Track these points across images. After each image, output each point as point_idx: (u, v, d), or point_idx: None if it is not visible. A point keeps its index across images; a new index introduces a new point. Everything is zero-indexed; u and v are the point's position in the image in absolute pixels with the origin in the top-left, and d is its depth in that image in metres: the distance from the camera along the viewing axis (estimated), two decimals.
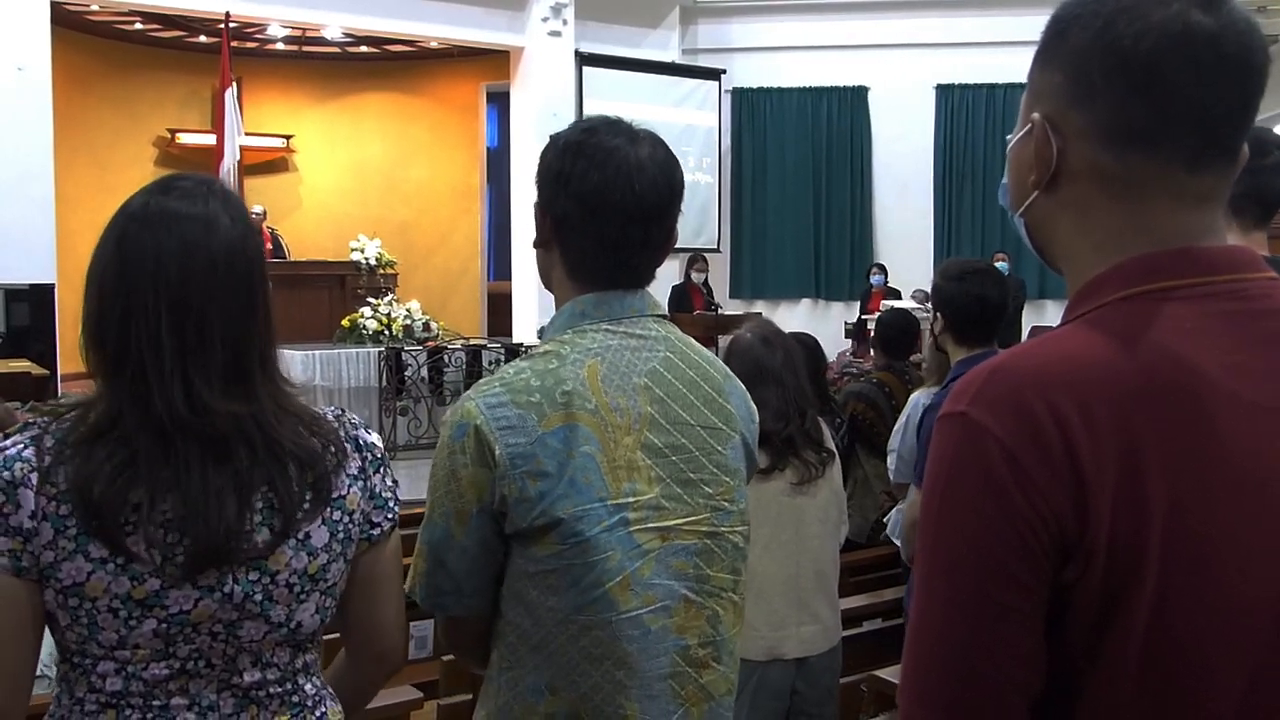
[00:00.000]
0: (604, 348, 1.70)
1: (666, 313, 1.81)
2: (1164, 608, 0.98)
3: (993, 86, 13.91)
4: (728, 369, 1.87)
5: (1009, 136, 1.17)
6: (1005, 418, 0.99)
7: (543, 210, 1.76)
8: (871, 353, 7.91)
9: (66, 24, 11.70)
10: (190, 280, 1.47)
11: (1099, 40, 1.04)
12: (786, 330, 3.51)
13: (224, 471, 1.46)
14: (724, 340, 11.14)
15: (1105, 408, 0.99)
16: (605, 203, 1.69)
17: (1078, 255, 1.11)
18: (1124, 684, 0.99)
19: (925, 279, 3.75)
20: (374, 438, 1.68)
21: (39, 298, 9.43)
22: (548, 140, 1.78)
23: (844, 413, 5.32)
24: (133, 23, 13.00)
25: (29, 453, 1.43)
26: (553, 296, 1.81)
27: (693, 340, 1.85)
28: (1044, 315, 13.25)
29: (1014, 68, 12.82)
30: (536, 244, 1.79)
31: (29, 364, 8.47)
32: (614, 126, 1.74)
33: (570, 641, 1.65)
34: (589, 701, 1.66)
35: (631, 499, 1.66)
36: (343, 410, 1.67)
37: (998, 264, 10.73)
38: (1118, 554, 0.97)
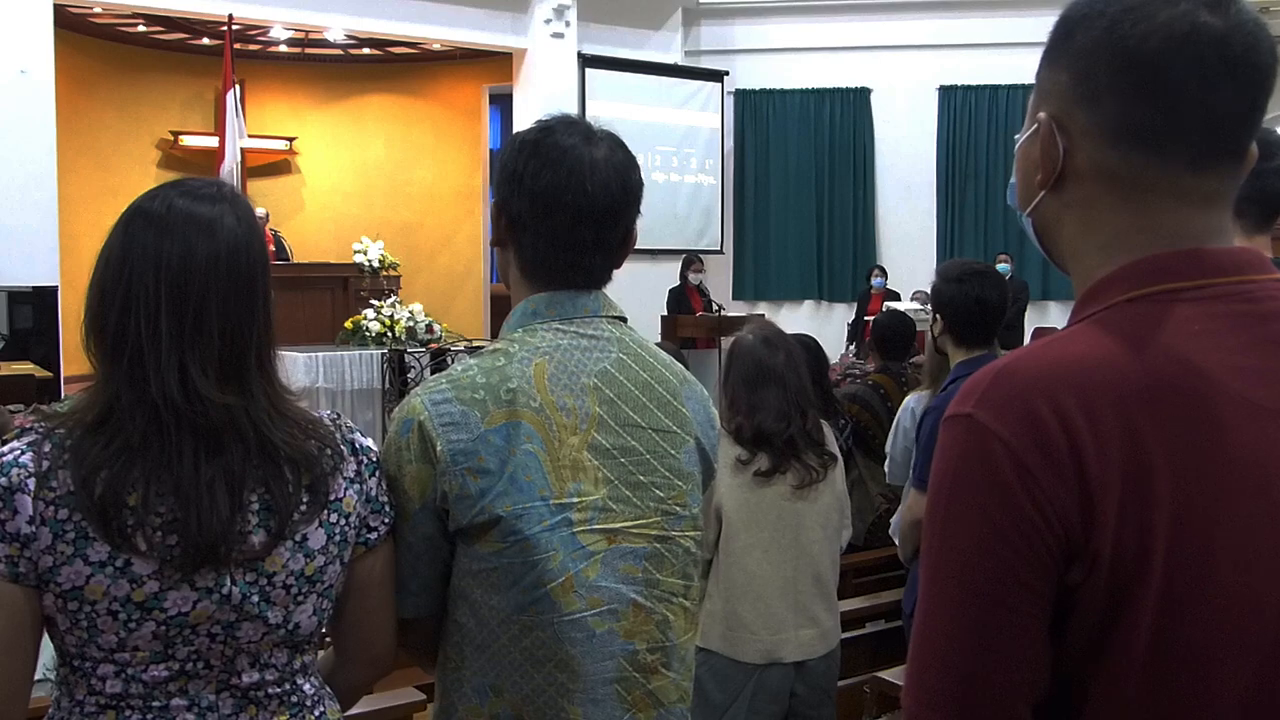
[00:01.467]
0: (553, 347, 1.70)
1: (623, 314, 1.80)
2: (1169, 609, 0.98)
3: (996, 88, 13.90)
4: (686, 373, 1.86)
5: (1016, 136, 1.17)
6: (1011, 420, 0.99)
7: (499, 209, 1.76)
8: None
9: (69, 26, 11.71)
10: (191, 271, 1.48)
11: (1105, 40, 1.04)
12: (789, 332, 3.51)
13: (215, 464, 1.47)
14: (727, 341, 11.15)
15: (1111, 410, 0.98)
16: (557, 202, 1.69)
17: (1084, 255, 1.11)
18: (1129, 684, 0.99)
19: (928, 280, 3.76)
20: (370, 442, 1.68)
21: (42, 300, 9.43)
22: (509, 139, 1.78)
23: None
24: (136, 25, 13.00)
25: (26, 458, 1.44)
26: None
27: (649, 343, 1.84)
28: (1047, 317, 13.24)
29: (1017, 69, 12.84)
30: (494, 242, 1.80)
31: (32, 366, 8.48)
32: (571, 126, 1.74)
33: (512, 642, 1.65)
34: (532, 704, 1.65)
35: (576, 499, 1.65)
36: (339, 414, 1.68)
37: (1000, 266, 10.75)
38: (1123, 556, 0.97)
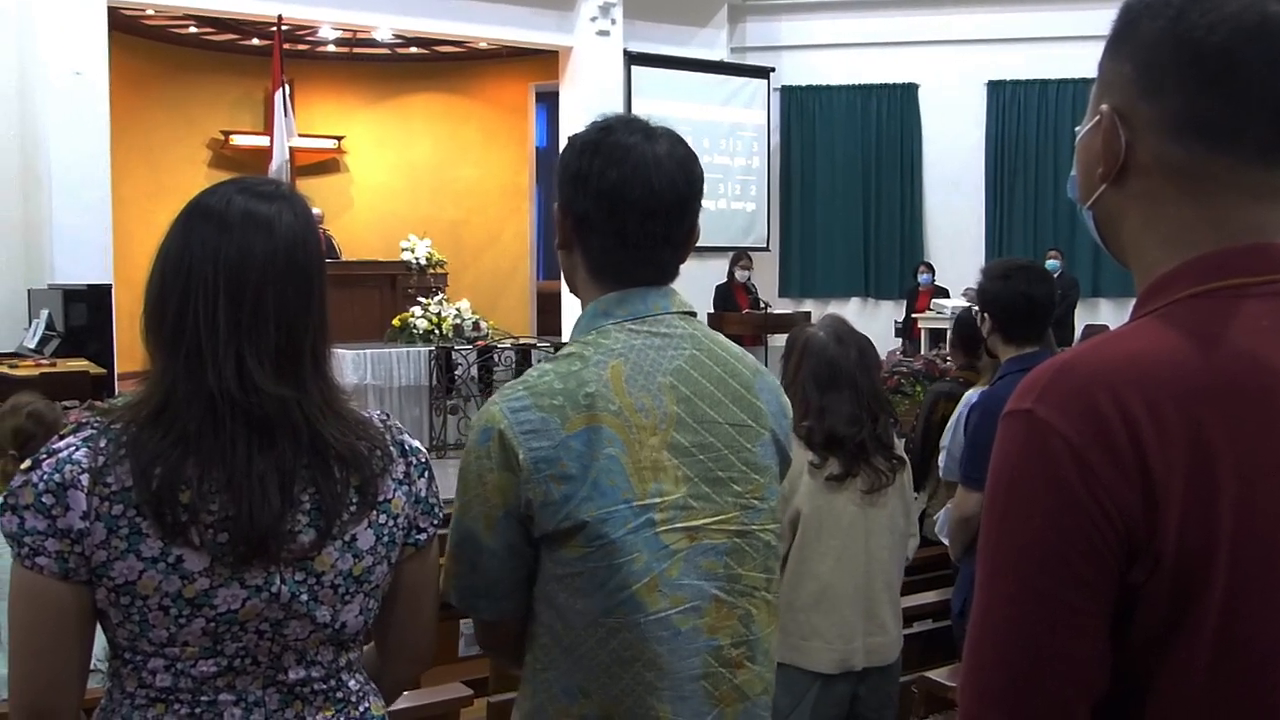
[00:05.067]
0: (627, 348, 1.69)
1: (693, 309, 1.80)
2: (1234, 610, 0.96)
3: (1045, 82, 13.76)
4: (759, 364, 1.85)
5: (1077, 128, 1.14)
6: (1072, 416, 0.97)
7: (563, 211, 1.76)
8: (940, 351, 7.85)
9: (123, 28, 11.85)
10: (249, 263, 1.50)
11: (1170, 31, 1.02)
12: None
13: (268, 457, 1.48)
14: (774, 340, 11.12)
15: (1175, 406, 0.97)
16: (624, 200, 1.68)
17: (1146, 250, 1.09)
18: (1192, 685, 0.98)
19: (976, 277, 3.74)
20: (418, 444, 1.69)
21: (96, 298, 9.55)
22: (566, 141, 1.78)
23: (934, 413, 5.27)
24: (187, 26, 13.17)
25: (80, 454, 1.46)
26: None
27: (720, 336, 1.84)
28: (1098, 314, 13.10)
29: (1066, 63, 12.72)
30: (559, 246, 1.79)
31: (87, 363, 8.59)
32: (631, 124, 1.74)
33: (600, 644, 1.65)
34: (621, 704, 1.66)
35: (658, 499, 1.65)
36: (388, 415, 1.69)
37: (1050, 262, 10.64)
38: (1187, 555, 0.96)
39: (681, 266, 1.79)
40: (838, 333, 3.20)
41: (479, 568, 1.69)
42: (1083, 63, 11.88)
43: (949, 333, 6.79)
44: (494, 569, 1.69)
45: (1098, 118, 1.09)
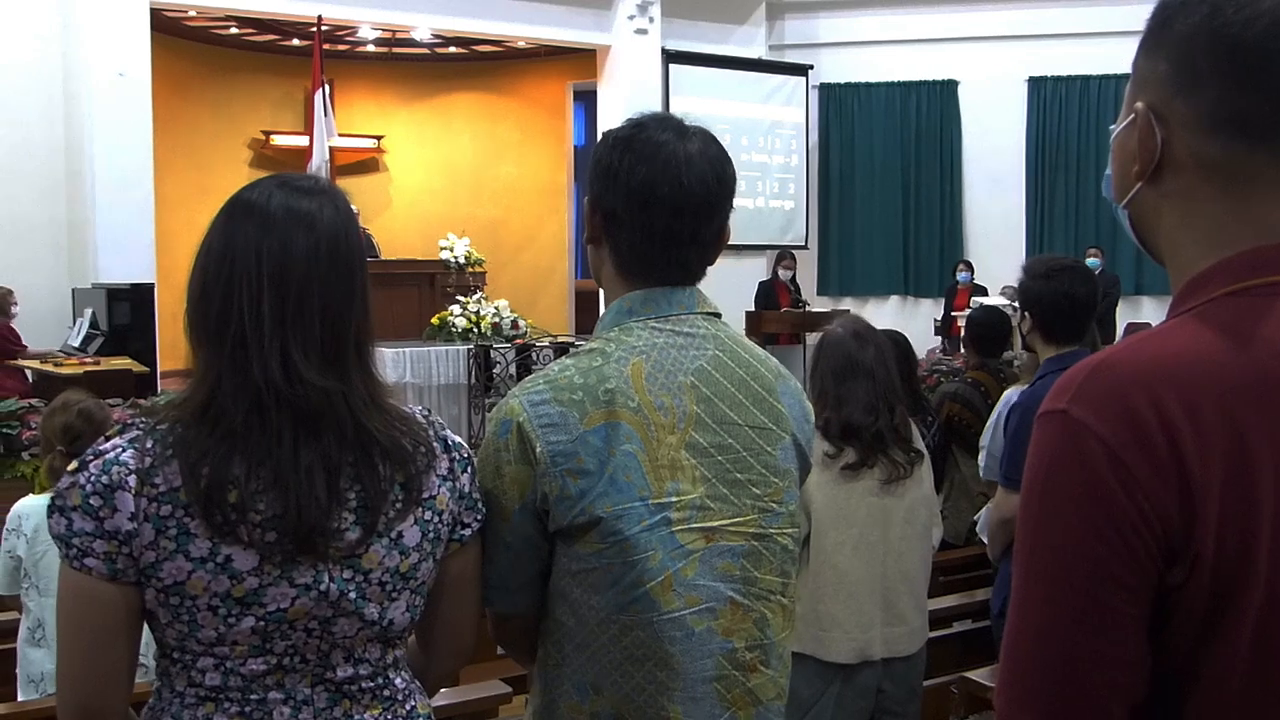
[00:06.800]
0: (650, 346, 1.69)
1: (718, 310, 1.79)
2: (1274, 610, 0.95)
3: (1086, 78, 13.63)
4: (781, 368, 1.84)
5: (1112, 126, 1.13)
6: (1108, 416, 0.97)
7: (593, 206, 1.76)
8: (962, 351, 7.82)
9: (165, 30, 11.97)
10: (292, 257, 1.51)
11: (1206, 26, 1.01)
12: (876, 328, 3.46)
13: (314, 450, 1.49)
14: (812, 337, 11.10)
15: (1213, 406, 0.96)
16: (653, 197, 1.68)
17: (1182, 248, 1.08)
18: (1231, 687, 0.97)
19: (1017, 276, 3.71)
20: (460, 439, 1.70)
21: (139, 297, 9.65)
22: (600, 137, 1.78)
23: (939, 414, 5.25)
24: (228, 27, 13.28)
25: (127, 455, 1.47)
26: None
27: (744, 338, 1.83)
28: (1139, 312, 12.97)
29: (1108, 59, 12.58)
30: (587, 240, 1.80)
31: (130, 362, 8.69)
32: (664, 122, 1.74)
33: (612, 641, 1.65)
34: (632, 702, 1.65)
35: (674, 498, 1.64)
36: (430, 411, 1.69)
37: (1090, 260, 10.54)
38: (1226, 557, 0.95)
39: (717, 264, 1.79)
40: (855, 329, 3.22)
41: (494, 560, 1.70)
42: (1124, 58, 11.52)
43: (963, 331, 6.74)
44: (509, 562, 1.69)
45: (1133, 115, 1.09)
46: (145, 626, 1.53)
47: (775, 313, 11.50)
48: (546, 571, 1.70)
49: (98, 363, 8.54)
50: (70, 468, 1.49)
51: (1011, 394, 4.19)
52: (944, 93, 14.24)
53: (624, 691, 1.65)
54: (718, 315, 1.79)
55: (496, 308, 11.09)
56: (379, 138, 14.67)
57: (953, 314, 12.20)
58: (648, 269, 1.73)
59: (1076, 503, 0.98)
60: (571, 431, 1.62)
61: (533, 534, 1.67)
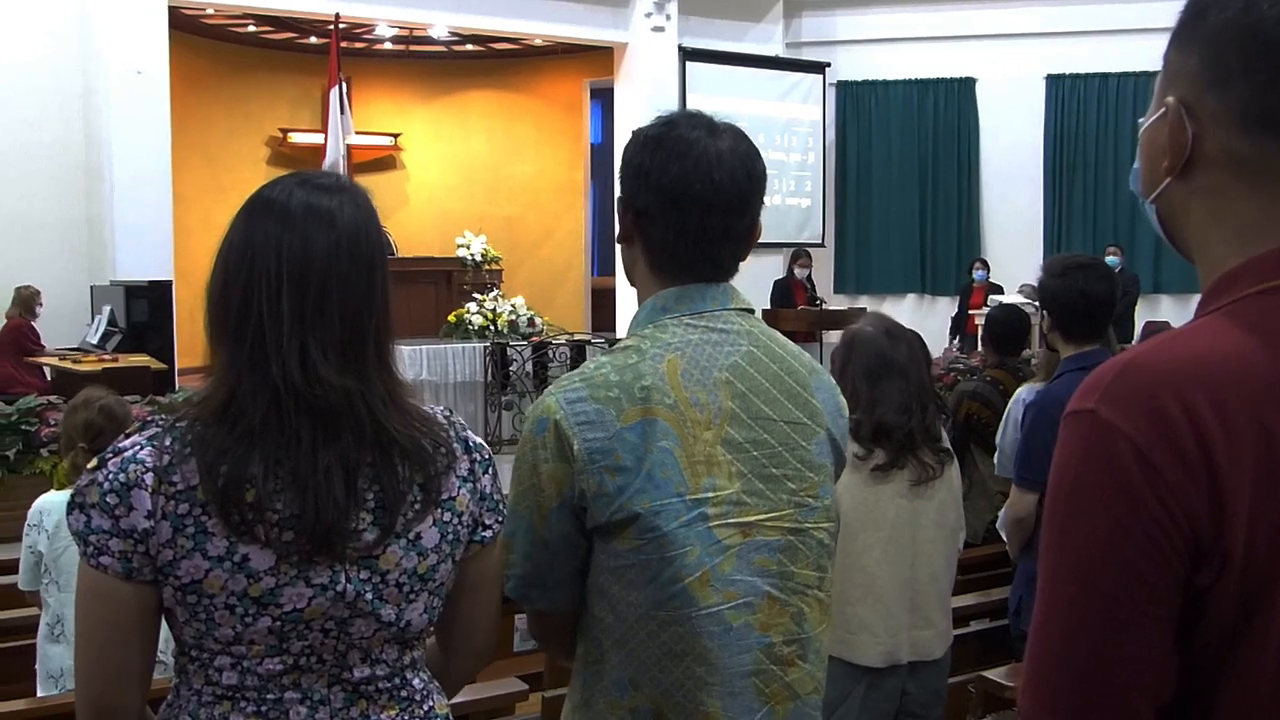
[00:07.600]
0: (684, 342, 1.69)
1: (751, 306, 1.80)
2: None
3: (1105, 76, 13.57)
4: (815, 363, 1.84)
5: (1141, 120, 1.12)
6: (1136, 416, 0.96)
7: (625, 205, 1.76)
8: (979, 349, 7.80)
9: (183, 28, 12.01)
10: (313, 253, 1.51)
11: (1239, 21, 1.00)
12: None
13: (332, 450, 1.48)
14: (828, 336, 11.08)
15: (1242, 406, 0.95)
16: (685, 194, 1.68)
17: (1211, 245, 1.07)
18: (1258, 689, 0.96)
19: (1033, 274, 3.70)
20: (481, 440, 1.69)
21: (157, 294, 9.70)
22: (629, 135, 1.78)
23: (958, 412, 5.23)
24: (246, 25, 13.32)
25: (145, 453, 1.46)
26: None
27: (778, 334, 1.83)
28: (1158, 310, 12.91)
29: (1127, 57, 12.53)
30: (620, 239, 1.80)
31: (148, 358, 8.74)
32: (694, 119, 1.74)
33: (651, 637, 1.65)
34: (670, 698, 1.66)
35: (711, 494, 1.65)
36: (451, 411, 1.69)
37: (1109, 258, 10.51)
38: (1256, 558, 0.94)
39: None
40: (887, 328, 3.19)
41: (533, 558, 1.70)
42: (1144, 56, 11.72)
43: (980, 330, 6.73)
44: (547, 559, 1.69)
45: (1163, 110, 1.07)
46: (165, 623, 1.53)
47: (791, 311, 11.49)
48: (584, 568, 1.70)
49: (116, 359, 8.59)
50: (90, 465, 1.49)
51: (1024, 391, 4.18)
52: (962, 90, 14.20)
53: (662, 687, 1.66)
54: (751, 311, 1.79)
55: (513, 305, 11.11)
56: (396, 135, 14.70)
57: (968, 312, 12.17)
58: (680, 266, 1.73)
59: (1105, 503, 0.96)
60: (608, 429, 1.63)
61: (570, 531, 1.67)
